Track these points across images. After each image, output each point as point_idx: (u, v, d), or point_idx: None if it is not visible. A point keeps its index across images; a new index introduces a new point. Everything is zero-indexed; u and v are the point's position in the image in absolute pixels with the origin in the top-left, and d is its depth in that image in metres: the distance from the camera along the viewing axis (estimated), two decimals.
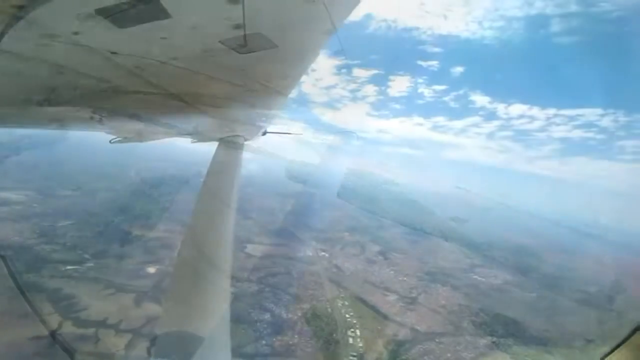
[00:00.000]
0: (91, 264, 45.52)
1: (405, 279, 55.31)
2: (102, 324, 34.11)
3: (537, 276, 62.17)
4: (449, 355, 37.64)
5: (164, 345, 2.94)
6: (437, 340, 39.69)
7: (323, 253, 63.47)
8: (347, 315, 43.14)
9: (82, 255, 47.32)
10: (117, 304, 37.73)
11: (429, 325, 42.24)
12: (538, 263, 69.30)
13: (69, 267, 43.65)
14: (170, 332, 3.00)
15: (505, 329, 42.23)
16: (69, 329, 32.58)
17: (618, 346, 1.83)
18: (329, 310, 43.99)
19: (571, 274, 64.57)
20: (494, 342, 39.71)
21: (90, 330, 32.90)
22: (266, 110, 4.97)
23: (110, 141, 5.24)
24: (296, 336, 38.00)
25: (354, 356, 36.33)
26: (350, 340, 38.62)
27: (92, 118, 3.03)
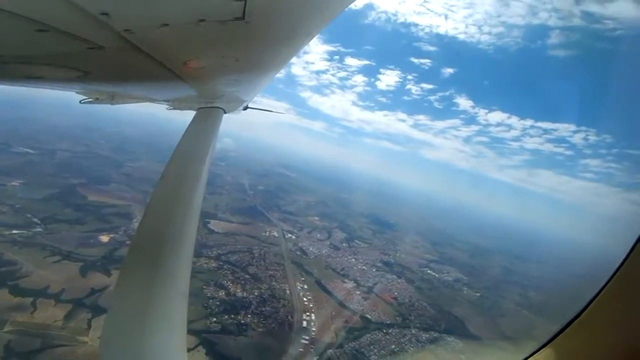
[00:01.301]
0: (39, 229, 42.80)
1: (364, 267, 56.80)
2: (42, 292, 32.25)
3: (485, 277, 66.05)
4: (393, 346, 38.88)
5: (111, 319, 2.68)
6: (384, 330, 41.02)
7: (290, 235, 63.70)
8: (304, 299, 43.71)
9: (31, 219, 44.36)
10: (62, 272, 35.69)
11: (379, 316, 43.62)
12: (488, 264, 73.57)
13: (14, 232, 40.76)
14: (120, 306, 2.71)
15: (447, 325, 44.51)
16: (4, 297, 30.52)
17: (539, 349, 1.96)
18: (288, 292, 44.32)
19: (515, 278, 68.97)
20: (435, 337, 41.70)
21: (28, 300, 30.99)
22: (251, 86, 4.76)
23: (80, 102, 4.80)
24: (249, 316, 37.92)
25: (305, 340, 36.72)
26: (305, 324, 39.13)
27: (70, 79, 2.71)
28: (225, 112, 5.59)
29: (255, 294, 41.78)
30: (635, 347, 1.56)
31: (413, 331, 42.09)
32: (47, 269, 35.65)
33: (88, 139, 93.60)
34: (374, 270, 56.42)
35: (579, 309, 1.79)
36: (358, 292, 48.62)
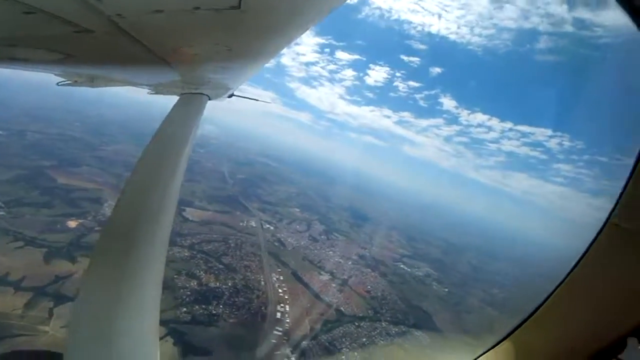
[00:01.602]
0: (2, 213, 40.41)
1: (341, 260, 57.26)
2: (1, 280, 30.68)
3: (454, 273, 67.99)
4: (364, 339, 39.52)
5: (81, 305, 2.63)
6: (356, 323, 41.66)
7: (268, 226, 63.23)
8: (279, 290, 43.66)
9: None
10: (24, 259, 33.98)
11: (352, 309, 44.26)
12: (458, 261, 75.70)
13: None
14: (90, 292, 2.65)
15: (416, 319, 45.72)
16: None
17: (498, 343, 2.14)
18: (263, 283, 44.07)
19: (481, 276, 71.44)
20: (403, 331, 42.72)
21: None
22: (239, 74, 4.75)
23: (57, 84, 4.75)
24: (221, 306, 37.52)
25: (279, 331, 36.74)
26: (279, 315, 39.14)
27: (51, 61, 2.68)
28: (209, 99, 5.54)
29: (229, 284, 41.20)
30: (583, 342, 1.75)
31: (384, 324, 42.91)
32: (9, 255, 33.83)
33: (63, 121, 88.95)
34: (350, 263, 57.09)
35: (535, 306, 1.99)
36: (333, 285, 49.07)
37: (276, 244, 57.05)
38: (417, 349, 37.91)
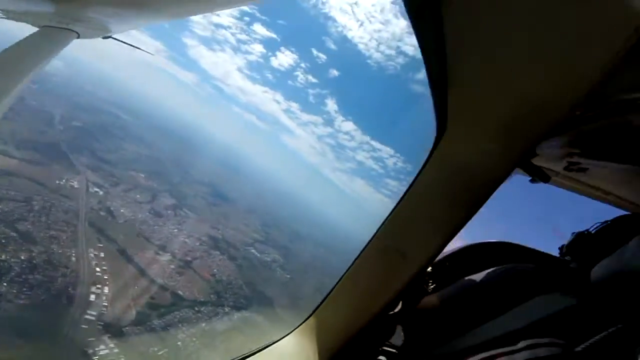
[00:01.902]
0: None
1: (187, 240, 52.18)
2: None
3: (296, 261, 73.21)
4: (203, 324, 37.75)
5: None
6: (196, 308, 39.15)
7: (96, 189, 51.07)
8: (97, 269, 36.92)
9: None
10: None
11: (193, 292, 41.30)
12: (302, 250, 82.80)
13: None
14: None
15: (258, 304, 46.95)
16: None
17: (306, 319, 2.38)
18: (74, 259, 36.30)
19: (318, 264, 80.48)
20: (246, 317, 42.90)
21: None
22: (130, 21, 4.31)
23: None
24: (6, 284, 29.54)
25: (91, 315, 31.87)
26: (93, 297, 33.55)
27: None
28: (78, 37, 4.74)
29: (22, 257, 32.27)
30: (357, 328, 2.09)
31: (226, 309, 41.93)
32: None
33: None
34: (198, 244, 52.90)
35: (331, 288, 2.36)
36: (172, 267, 44.45)
37: (103, 213, 46.81)
38: (256, 332, 38.76)
